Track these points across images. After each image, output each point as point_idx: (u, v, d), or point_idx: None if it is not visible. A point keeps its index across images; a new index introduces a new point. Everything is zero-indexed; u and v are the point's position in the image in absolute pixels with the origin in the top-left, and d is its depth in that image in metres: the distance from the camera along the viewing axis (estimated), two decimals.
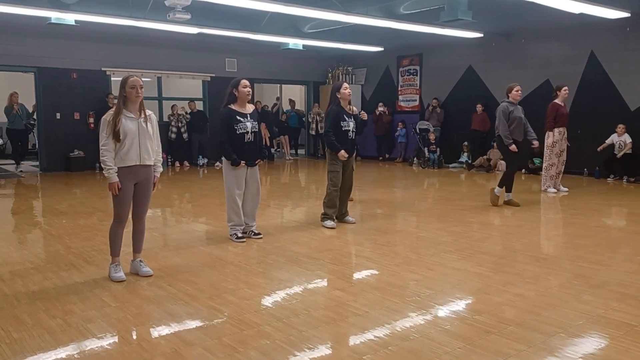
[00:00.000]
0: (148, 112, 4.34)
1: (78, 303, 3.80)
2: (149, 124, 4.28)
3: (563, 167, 8.92)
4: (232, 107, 5.44)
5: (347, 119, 6.11)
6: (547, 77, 11.51)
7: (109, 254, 4.45)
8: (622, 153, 9.98)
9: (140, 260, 4.52)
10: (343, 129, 6.08)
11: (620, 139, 10.05)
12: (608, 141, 10.17)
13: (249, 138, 5.45)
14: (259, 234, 5.74)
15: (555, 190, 8.75)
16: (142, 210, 4.44)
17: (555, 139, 8.67)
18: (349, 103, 6.24)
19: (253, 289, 4.16)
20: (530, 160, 11.43)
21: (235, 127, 5.39)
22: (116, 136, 4.12)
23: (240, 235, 5.58)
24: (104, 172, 4.25)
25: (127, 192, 4.27)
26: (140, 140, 4.22)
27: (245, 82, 5.47)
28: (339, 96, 6.11)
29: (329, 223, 6.25)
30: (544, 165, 8.88)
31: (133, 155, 4.21)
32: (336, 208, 6.31)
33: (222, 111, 5.49)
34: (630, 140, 9.94)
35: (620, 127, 10.04)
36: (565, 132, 8.76)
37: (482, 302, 3.82)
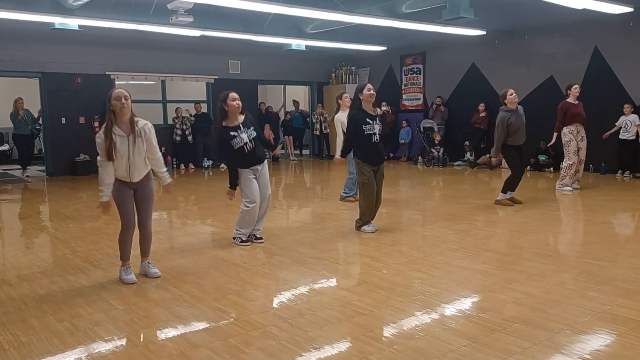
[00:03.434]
0: (142, 122, 4.22)
1: (85, 306, 3.83)
2: (138, 139, 4.17)
3: (582, 166, 8.81)
4: (225, 124, 5.29)
5: (370, 121, 5.73)
6: (551, 73, 11.48)
7: (115, 257, 4.50)
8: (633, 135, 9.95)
9: (149, 262, 4.55)
10: (366, 132, 5.71)
11: (627, 119, 10.03)
12: (617, 123, 10.14)
13: (249, 147, 5.32)
14: (260, 238, 5.69)
15: (571, 189, 8.61)
16: (144, 217, 4.42)
17: (567, 138, 8.55)
18: (373, 105, 5.94)
19: (258, 290, 4.18)
20: (535, 157, 11.39)
21: (232, 143, 5.25)
22: (110, 157, 4.08)
23: (245, 239, 5.57)
24: (101, 188, 4.19)
25: (126, 197, 4.27)
26: (129, 160, 4.16)
27: (233, 95, 5.29)
28: (361, 97, 5.79)
29: (368, 228, 5.98)
30: (564, 165, 8.73)
31: (122, 173, 4.19)
32: (372, 215, 6.05)
33: (215, 135, 5.41)
34: (638, 122, 9.93)
35: (627, 107, 10.03)
36: (581, 129, 8.61)
37: (487, 300, 3.82)
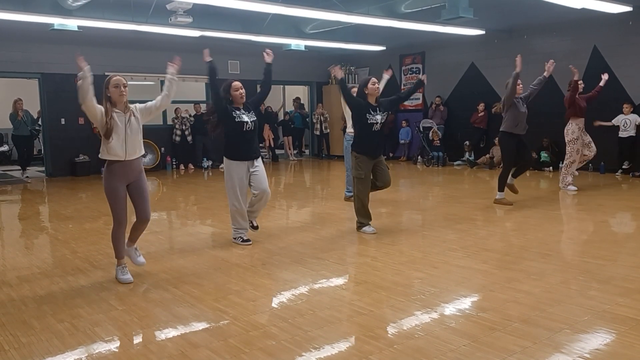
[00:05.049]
0: (131, 106, 4.33)
1: (85, 307, 3.83)
2: (133, 118, 4.28)
3: (593, 155, 8.81)
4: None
5: (372, 112, 5.73)
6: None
7: (114, 257, 4.48)
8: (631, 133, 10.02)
9: (136, 248, 4.54)
10: (368, 122, 5.70)
11: (627, 118, 10.06)
12: (614, 121, 10.19)
13: (248, 127, 5.34)
14: (256, 227, 5.71)
15: (575, 189, 8.55)
16: (145, 208, 4.41)
17: (575, 135, 8.50)
18: (376, 101, 5.89)
19: (258, 290, 4.18)
20: (537, 154, 11.37)
21: (233, 114, 5.32)
22: (109, 134, 4.13)
23: (245, 238, 5.58)
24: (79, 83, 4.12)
25: (119, 192, 4.27)
26: (126, 137, 4.21)
27: (236, 84, 5.37)
28: (366, 92, 5.80)
29: (369, 229, 5.94)
30: (565, 162, 8.67)
31: (119, 151, 4.21)
32: (369, 217, 5.98)
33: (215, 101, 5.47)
34: (638, 121, 9.98)
35: (627, 107, 10.05)
36: (582, 124, 8.60)
37: (487, 299, 3.82)
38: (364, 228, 5.99)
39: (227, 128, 5.37)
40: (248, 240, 5.56)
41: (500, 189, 7.53)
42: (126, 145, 4.23)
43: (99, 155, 4.30)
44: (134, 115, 4.29)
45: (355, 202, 5.99)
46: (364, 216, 5.98)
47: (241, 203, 5.41)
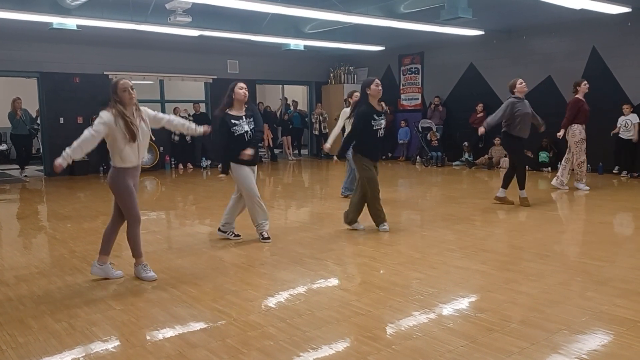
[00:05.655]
0: (141, 108, 4.37)
1: (83, 306, 3.82)
2: (142, 122, 4.31)
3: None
4: (228, 111, 5.46)
5: (377, 117, 5.78)
6: (549, 73, 11.50)
7: (113, 257, 4.48)
8: (634, 135, 10.00)
9: (145, 264, 4.54)
10: (374, 128, 5.75)
11: (626, 118, 10.07)
12: (618, 124, 10.19)
13: (249, 136, 5.46)
14: (238, 235, 5.76)
15: (588, 188, 8.62)
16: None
17: (582, 135, 8.55)
18: (379, 101, 5.92)
19: (256, 290, 4.18)
20: (536, 154, 11.37)
21: (233, 130, 5.39)
22: (134, 136, 4.17)
23: (266, 235, 5.63)
24: (68, 149, 4.22)
25: (131, 190, 4.31)
26: (138, 142, 4.25)
27: (241, 84, 5.51)
28: (369, 92, 5.78)
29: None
30: (577, 162, 8.68)
31: (133, 157, 4.25)
32: (383, 213, 6.04)
33: (217, 115, 5.55)
34: (638, 120, 9.98)
35: (626, 107, 10.06)
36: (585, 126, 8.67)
37: (485, 300, 3.82)
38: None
39: (230, 139, 5.44)
40: (268, 238, 5.63)
41: (504, 186, 7.46)
42: (139, 150, 4.28)
43: (112, 164, 4.29)
44: (143, 119, 4.32)
45: (371, 203, 5.98)
46: (380, 217, 6.02)
47: (257, 193, 5.55)
